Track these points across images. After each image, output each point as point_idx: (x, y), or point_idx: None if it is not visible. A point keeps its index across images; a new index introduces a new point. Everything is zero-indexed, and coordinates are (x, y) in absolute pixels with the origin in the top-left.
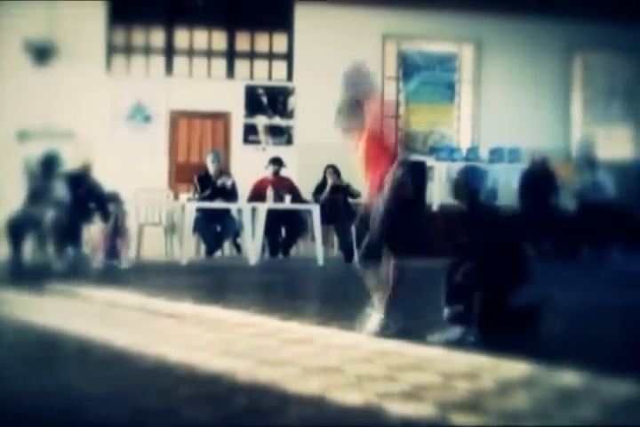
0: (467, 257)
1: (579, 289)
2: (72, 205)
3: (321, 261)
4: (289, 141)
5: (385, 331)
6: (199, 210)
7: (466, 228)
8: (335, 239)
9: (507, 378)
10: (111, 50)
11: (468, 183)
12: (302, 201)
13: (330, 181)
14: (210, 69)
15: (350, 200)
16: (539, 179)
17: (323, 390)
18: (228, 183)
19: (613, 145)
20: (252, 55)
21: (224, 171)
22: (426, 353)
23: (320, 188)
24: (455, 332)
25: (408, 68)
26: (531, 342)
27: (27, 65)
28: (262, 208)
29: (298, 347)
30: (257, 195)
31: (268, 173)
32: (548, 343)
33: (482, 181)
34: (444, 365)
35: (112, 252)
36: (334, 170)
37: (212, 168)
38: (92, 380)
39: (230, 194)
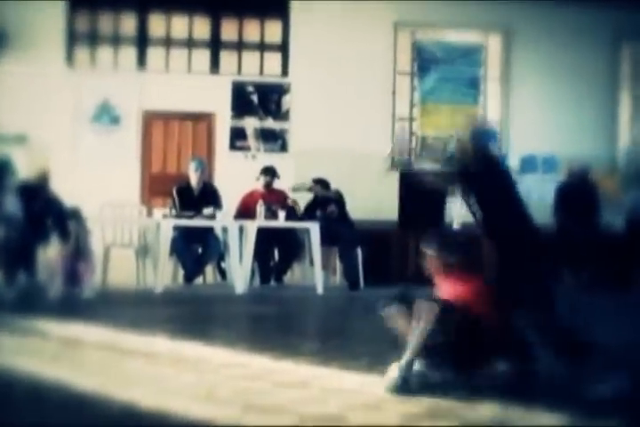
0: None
1: (625, 326)
2: (25, 222)
3: (320, 290)
4: (283, 148)
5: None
6: (177, 228)
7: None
8: (338, 263)
9: None
10: (72, 39)
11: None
12: (299, 218)
13: (315, 194)
14: (190, 63)
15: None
16: (578, 193)
17: None
18: (218, 214)
19: None
20: (240, 46)
21: (208, 182)
22: (441, 400)
23: (310, 207)
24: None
25: (424, 61)
26: (560, 395)
27: None
28: (251, 226)
29: (292, 391)
30: (245, 211)
31: (258, 185)
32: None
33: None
34: (464, 412)
35: (73, 278)
36: (319, 182)
37: (194, 178)
38: None
39: (212, 202)
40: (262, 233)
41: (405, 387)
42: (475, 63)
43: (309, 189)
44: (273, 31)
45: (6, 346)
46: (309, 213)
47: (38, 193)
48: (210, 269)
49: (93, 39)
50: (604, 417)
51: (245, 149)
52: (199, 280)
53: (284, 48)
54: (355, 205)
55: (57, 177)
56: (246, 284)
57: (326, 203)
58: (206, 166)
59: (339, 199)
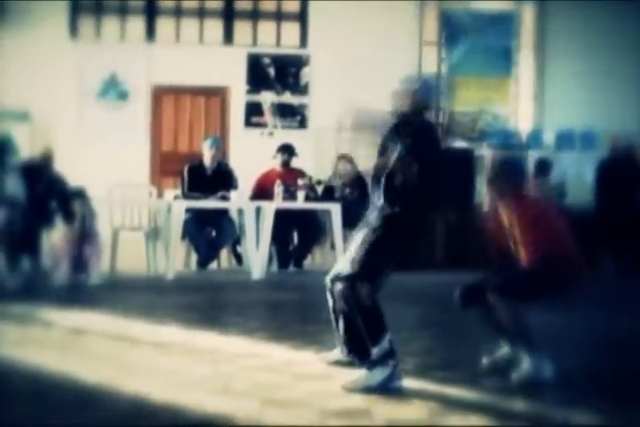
0: None
1: None
2: (28, 205)
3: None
4: (302, 124)
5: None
6: (189, 210)
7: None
8: None
9: None
10: (76, 9)
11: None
12: (319, 199)
13: (341, 173)
14: (202, 33)
15: None
16: (622, 171)
17: None
18: (232, 195)
19: None
20: (255, 15)
21: (222, 162)
22: (471, 394)
23: (329, 189)
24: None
25: (452, 31)
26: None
27: None
28: (269, 208)
29: (314, 384)
30: (262, 191)
31: (275, 163)
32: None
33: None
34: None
35: (79, 263)
36: (348, 160)
37: (208, 157)
38: None
39: (226, 183)
40: (280, 215)
41: None
42: (506, 33)
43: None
44: None
45: (9, 336)
46: (328, 195)
47: (41, 173)
48: (225, 254)
49: (98, 9)
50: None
51: (262, 125)
52: (213, 265)
53: (302, 17)
54: None
55: (61, 156)
56: (263, 269)
57: (353, 183)
58: (221, 144)
59: (360, 181)
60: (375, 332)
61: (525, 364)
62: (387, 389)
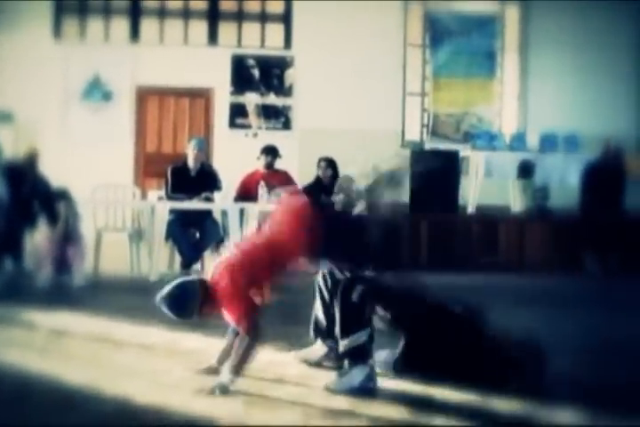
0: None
1: None
2: (11, 206)
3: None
4: (286, 126)
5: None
6: (173, 211)
7: None
8: None
9: None
10: (60, 10)
11: None
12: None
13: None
14: (187, 34)
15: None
16: (609, 174)
17: None
18: (216, 197)
19: None
20: (240, 16)
21: (206, 163)
22: (454, 394)
23: (314, 190)
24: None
25: (437, 33)
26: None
27: None
28: (253, 209)
29: (297, 385)
30: (246, 193)
31: (259, 165)
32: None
33: None
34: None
35: (62, 265)
36: (329, 163)
37: (192, 158)
38: None
39: (210, 184)
40: (264, 216)
41: None
42: (490, 34)
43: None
44: (275, 1)
45: None
46: (312, 196)
47: (25, 174)
48: (209, 255)
49: (82, 10)
50: None
51: (246, 126)
52: (197, 267)
53: (286, 18)
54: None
55: (45, 157)
56: None
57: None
58: (205, 146)
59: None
60: (351, 324)
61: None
62: (367, 389)
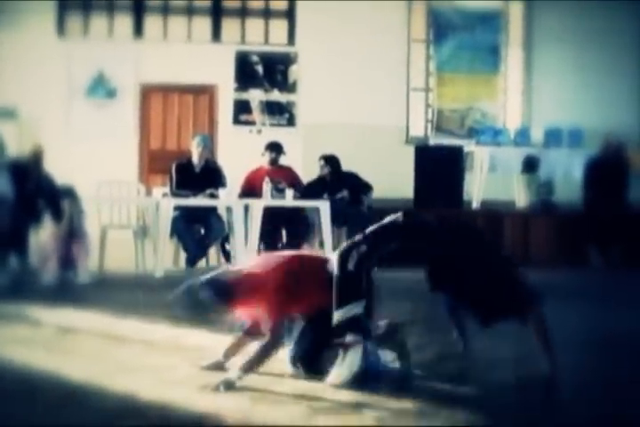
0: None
1: None
2: (16, 203)
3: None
4: (290, 122)
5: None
6: (178, 208)
7: None
8: None
9: None
10: (63, 6)
11: None
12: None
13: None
14: (190, 31)
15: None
16: (611, 169)
17: None
18: (221, 193)
19: None
20: (243, 13)
21: (210, 159)
22: (460, 390)
23: (317, 187)
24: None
25: (441, 28)
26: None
27: None
28: (257, 206)
29: (303, 381)
30: (250, 189)
31: (264, 161)
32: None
33: None
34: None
35: (67, 262)
36: (327, 161)
37: (196, 154)
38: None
39: (214, 181)
40: (269, 213)
41: None
42: (494, 30)
43: None
44: None
45: None
46: (314, 194)
47: (30, 172)
48: (213, 252)
49: (86, 7)
50: None
51: (250, 123)
52: (202, 263)
53: (290, 14)
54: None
55: (49, 154)
56: None
57: (338, 186)
58: (210, 142)
59: (353, 183)
60: (346, 294)
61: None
62: (371, 368)
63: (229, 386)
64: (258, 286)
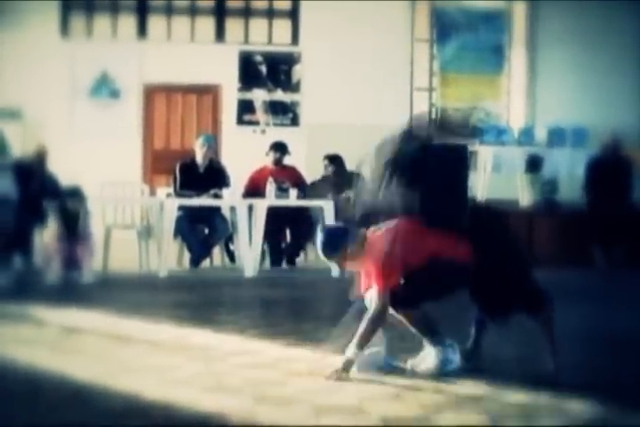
0: None
1: None
2: (20, 203)
3: (336, 272)
4: (294, 122)
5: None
6: (182, 208)
7: None
8: None
9: None
10: (67, 7)
11: None
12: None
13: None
14: (194, 31)
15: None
16: (611, 168)
17: None
18: (225, 193)
19: None
20: (247, 13)
21: (214, 159)
22: (466, 389)
23: (321, 186)
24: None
25: (444, 28)
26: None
27: None
28: (261, 205)
29: (307, 381)
30: (254, 189)
31: (268, 161)
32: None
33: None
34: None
35: (71, 262)
36: (331, 161)
37: (200, 154)
38: None
39: (218, 181)
40: (273, 212)
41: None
42: (498, 29)
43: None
44: None
45: (1, 334)
46: (318, 194)
47: (34, 172)
48: (217, 252)
49: (90, 7)
50: None
51: (254, 123)
52: (206, 263)
53: (294, 14)
54: None
55: (53, 154)
56: (256, 267)
57: (342, 186)
58: (214, 142)
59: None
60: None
61: (431, 357)
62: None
63: (349, 365)
64: (364, 249)
